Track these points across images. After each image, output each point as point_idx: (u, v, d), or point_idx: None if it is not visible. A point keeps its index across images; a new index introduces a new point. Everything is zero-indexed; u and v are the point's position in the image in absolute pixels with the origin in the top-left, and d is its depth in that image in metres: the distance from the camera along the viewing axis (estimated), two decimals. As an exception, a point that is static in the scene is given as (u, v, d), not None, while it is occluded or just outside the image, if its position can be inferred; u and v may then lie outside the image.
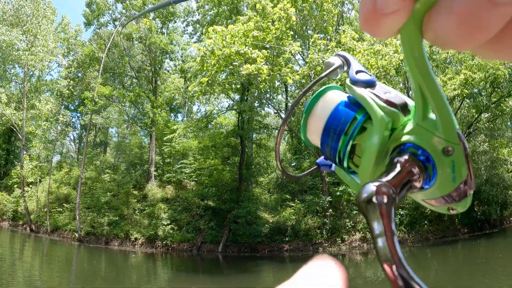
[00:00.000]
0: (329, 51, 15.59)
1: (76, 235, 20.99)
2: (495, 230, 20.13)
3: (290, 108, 0.58)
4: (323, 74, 0.53)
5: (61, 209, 23.61)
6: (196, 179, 20.25)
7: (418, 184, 0.37)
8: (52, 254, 18.29)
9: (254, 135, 21.37)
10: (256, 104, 17.82)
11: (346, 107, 0.49)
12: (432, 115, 0.38)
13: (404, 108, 0.45)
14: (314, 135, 0.53)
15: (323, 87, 0.54)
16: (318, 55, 15.44)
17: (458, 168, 0.38)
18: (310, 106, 0.53)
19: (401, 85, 21.48)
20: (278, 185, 20.66)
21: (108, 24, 27.15)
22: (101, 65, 23.66)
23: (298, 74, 15.04)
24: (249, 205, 18.37)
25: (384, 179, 0.33)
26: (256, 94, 16.37)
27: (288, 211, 18.68)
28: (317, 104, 0.53)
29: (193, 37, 24.70)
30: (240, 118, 19.58)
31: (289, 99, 21.17)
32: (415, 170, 0.37)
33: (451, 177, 0.38)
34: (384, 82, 17.83)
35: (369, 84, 0.48)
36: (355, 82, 0.49)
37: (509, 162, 22.62)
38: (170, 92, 20.86)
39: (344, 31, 18.41)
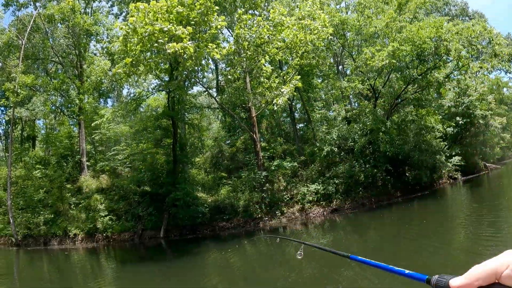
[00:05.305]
0: (255, 25, 15.44)
1: (13, 239, 19.51)
2: (426, 192, 21.52)
3: None
4: None
5: (-7, 214, 21.72)
6: (130, 165, 19.50)
7: None
8: (-10, 264, 16.84)
9: (186, 115, 20.93)
10: (186, 83, 17.34)
11: None
12: None
13: None
14: None
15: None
16: (245, 30, 15.25)
17: None
18: None
19: (331, 60, 22.11)
20: (213, 164, 20.55)
21: (29, 5, 24.85)
22: (22, 51, 21.65)
23: (225, 49, 14.74)
24: (186, 186, 18.13)
25: None
26: (185, 74, 15.89)
27: (225, 189, 18.72)
28: None
29: (118, 18, 23.37)
30: (169, 98, 18.95)
31: (219, 77, 20.89)
32: None
33: None
34: (313, 57, 18.09)
35: None
36: None
37: (436, 130, 24.18)
38: (97, 76, 19.61)
39: (273, 7, 18.32)
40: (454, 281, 0.77)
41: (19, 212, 20.37)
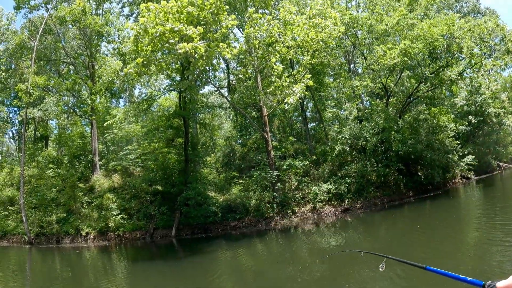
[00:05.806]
0: (266, 24, 15.38)
1: (26, 238, 19.80)
2: (439, 192, 21.12)
3: None
4: None
5: (6, 213, 22.05)
6: (142, 164, 19.63)
7: None
8: (2, 261, 17.08)
9: (197, 115, 20.98)
10: (197, 83, 17.38)
11: None
12: None
13: None
14: None
15: None
16: (255, 29, 15.22)
17: None
18: None
19: (342, 58, 21.90)
20: (225, 163, 20.55)
21: (40, 8, 25.20)
22: (34, 53, 21.97)
23: (235, 49, 14.73)
24: (198, 186, 18.18)
25: None
26: (196, 73, 15.92)
27: (237, 188, 18.70)
28: None
29: (129, 19, 23.58)
30: (181, 98, 19.03)
31: (231, 77, 20.89)
32: None
33: None
34: (325, 56, 17.94)
35: None
36: None
37: (449, 128, 23.77)
38: (109, 76, 19.79)
39: (283, 6, 18.24)
40: (500, 283, 1.03)
41: (32, 210, 20.62)
